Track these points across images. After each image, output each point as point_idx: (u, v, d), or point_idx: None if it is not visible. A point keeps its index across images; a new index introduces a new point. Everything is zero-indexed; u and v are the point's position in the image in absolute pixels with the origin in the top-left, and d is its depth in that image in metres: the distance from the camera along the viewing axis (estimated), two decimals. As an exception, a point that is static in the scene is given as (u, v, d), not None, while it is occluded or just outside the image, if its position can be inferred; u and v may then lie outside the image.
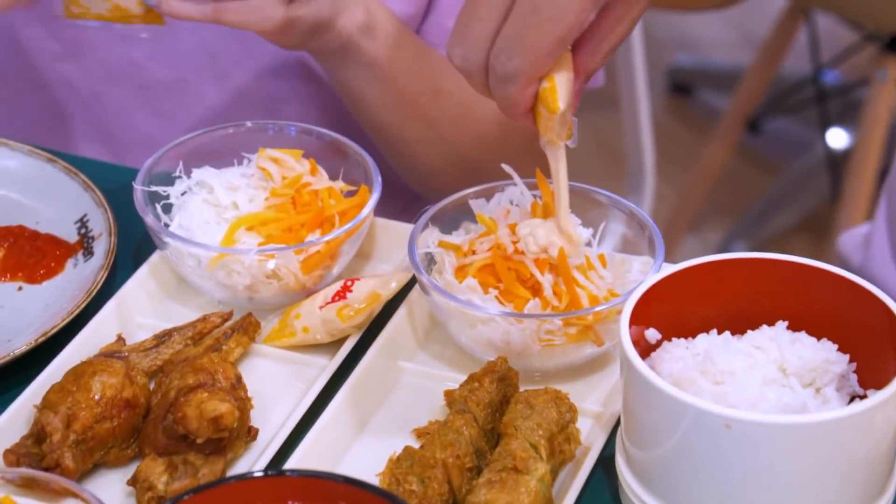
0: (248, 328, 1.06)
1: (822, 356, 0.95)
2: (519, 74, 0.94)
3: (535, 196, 1.10)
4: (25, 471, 0.89)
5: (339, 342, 1.06)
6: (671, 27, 3.14)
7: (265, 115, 1.30)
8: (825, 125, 2.72)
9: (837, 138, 2.77)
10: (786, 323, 0.97)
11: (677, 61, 3.03)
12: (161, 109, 1.32)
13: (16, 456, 0.95)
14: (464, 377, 1.02)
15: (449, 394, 1.01)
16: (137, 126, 1.34)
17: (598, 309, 1.02)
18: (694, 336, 0.98)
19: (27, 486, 0.90)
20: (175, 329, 1.06)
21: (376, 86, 1.22)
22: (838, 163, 2.64)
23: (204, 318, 1.07)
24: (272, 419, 1.01)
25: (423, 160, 1.28)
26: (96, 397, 0.97)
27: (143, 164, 1.13)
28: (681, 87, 3.00)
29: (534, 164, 1.09)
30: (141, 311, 1.09)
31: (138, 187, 1.11)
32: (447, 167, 1.29)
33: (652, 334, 0.98)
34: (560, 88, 0.96)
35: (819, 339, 0.97)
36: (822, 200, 2.69)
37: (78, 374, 0.98)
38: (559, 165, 1.01)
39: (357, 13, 1.18)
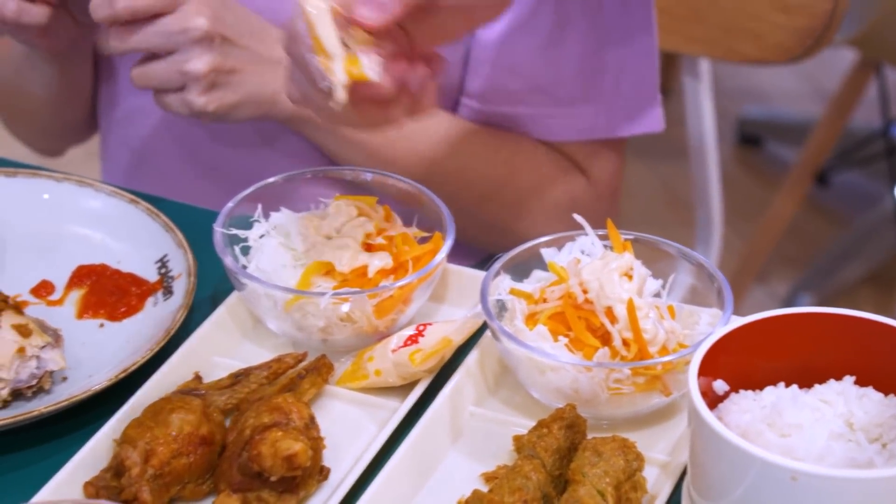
0: (321, 370, 1.08)
1: (889, 412, 0.96)
2: None
3: (605, 246, 1.12)
4: (105, 503, 0.92)
5: (411, 385, 1.08)
6: (741, 78, 3.15)
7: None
8: (894, 179, 2.71)
9: (906, 192, 2.76)
10: (853, 378, 0.98)
11: (747, 112, 3.03)
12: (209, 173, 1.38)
13: (95, 488, 0.98)
14: (532, 423, 1.03)
15: (518, 439, 1.03)
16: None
17: (666, 359, 1.04)
18: (761, 388, 0.99)
19: (106, 518, 0.93)
20: (251, 369, 1.08)
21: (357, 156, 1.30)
22: (907, 217, 2.64)
23: (279, 359, 1.09)
24: (344, 459, 1.03)
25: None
26: (174, 433, 0.99)
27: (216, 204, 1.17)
28: (750, 138, 3.01)
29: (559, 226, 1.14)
30: (218, 350, 1.12)
31: (218, 229, 1.13)
32: (479, 233, 1.35)
33: (720, 385, 0.99)
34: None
35: (886, 394, 0.97)
36: (889, 254, 2.68)
37: (157, 411, 1.01)
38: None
39: None
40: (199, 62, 1.20)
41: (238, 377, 1.08)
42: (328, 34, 1.03)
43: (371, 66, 1.03)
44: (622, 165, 1.41)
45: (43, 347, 1.07)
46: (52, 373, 1.08)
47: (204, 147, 1.38)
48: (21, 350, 1.06)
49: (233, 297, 1.14)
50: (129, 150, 1.42)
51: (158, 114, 1.37)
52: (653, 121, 1.37)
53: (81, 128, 1.49)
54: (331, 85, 1.03)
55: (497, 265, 1.11)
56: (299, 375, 1.08)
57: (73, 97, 1.42)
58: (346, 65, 1.03)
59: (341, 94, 1.03)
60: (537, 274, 1.13)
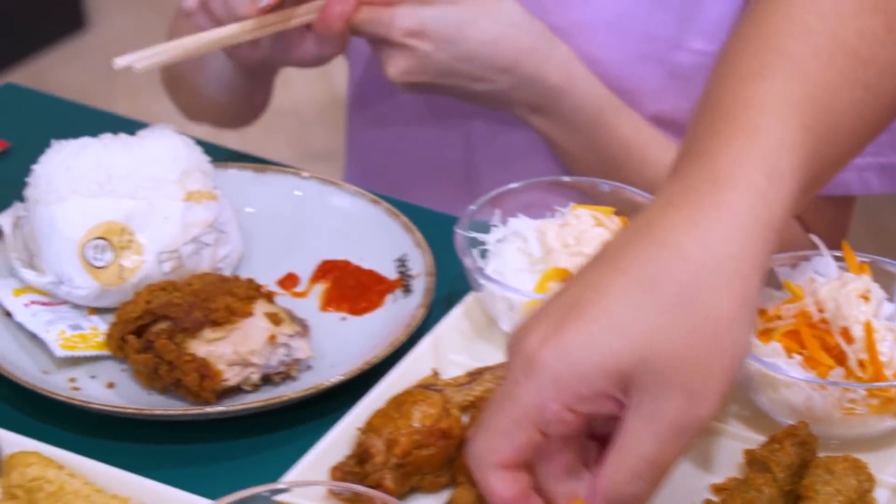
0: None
1: None
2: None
3: (840, 268, 1.12)
4: (355, 486, 0.96)
5: (642, 394, 1.10)
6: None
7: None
8: None
9: None
10: None
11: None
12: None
13: (341, 473, 1.02)
14: (761, 439, 1.04)
15: (750, 453, 1.04)
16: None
17: (904, 383, 1.04)
18: None
19: (353, 501, 0.97)
20: (487, 368, 1.11)
21: (555, 151, 1.33)
22: None
23: (514, 360, 1.12)
24: (575, 461, 1.06)
25: None
26: (416, 425, 1.03)
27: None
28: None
29: None
30: (454, 348, 1.16)
31: (460, 231, 1.17)
32: None
33: (958, 412, 0.99)
34: None
35: None
36: None
37: (399, 402, 1.05)
38: None
39: (533, 90, 1.29)
40: (393, 68, 1.27)
41: (475, 375, 1.11)
42: None
43: None
44: (849, 224, 1.35)
45: (292, 336, 1.12)
46: (299, 361, 1.13)
47: (447, 158, 1.42)
48: (272, 337, 1.11)
49: (469, 298, 1.18)
50: (368, 156, 1.47)
51: (402, 124, 1.41)
52: (893, 178, 1.30)
53: (237, 121, 1.57)
54: None
55: (732, 281, 1.12)
56: (533, 377, 1.10)
57: (244, 103, 1.49)
58: None
59: None
60: (768, 292, 1.14)
